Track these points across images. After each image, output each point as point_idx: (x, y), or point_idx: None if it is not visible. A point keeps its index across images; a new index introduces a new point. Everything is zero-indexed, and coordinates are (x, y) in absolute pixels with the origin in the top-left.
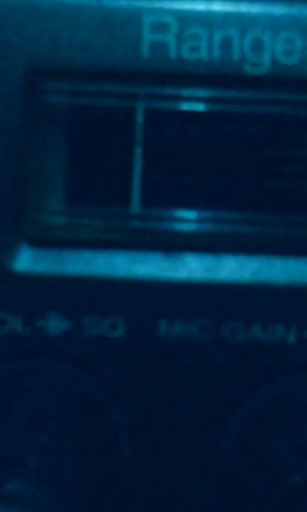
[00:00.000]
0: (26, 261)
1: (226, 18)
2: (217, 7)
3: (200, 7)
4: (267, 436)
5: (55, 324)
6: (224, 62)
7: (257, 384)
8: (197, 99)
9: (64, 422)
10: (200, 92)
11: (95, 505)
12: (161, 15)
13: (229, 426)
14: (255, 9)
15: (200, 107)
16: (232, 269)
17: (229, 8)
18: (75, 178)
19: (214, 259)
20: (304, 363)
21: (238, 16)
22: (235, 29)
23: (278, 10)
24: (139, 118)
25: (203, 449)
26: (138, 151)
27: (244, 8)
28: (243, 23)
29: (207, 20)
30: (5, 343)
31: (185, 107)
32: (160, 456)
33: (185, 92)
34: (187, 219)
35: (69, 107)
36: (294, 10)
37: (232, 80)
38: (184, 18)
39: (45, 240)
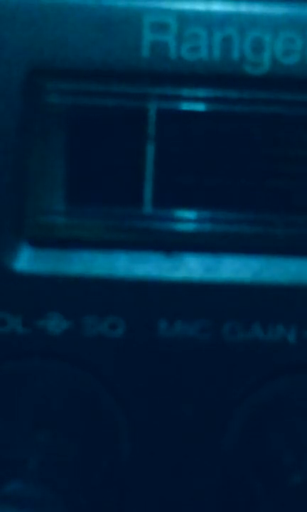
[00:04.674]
0: (26, 261)
1: (226, 18)
2: (217, 7)
3: (200, 7)
4: (267, 436)
5: (55, 324)
6: (224, 62)
7: (257, 384)
8: (197, 99)
9: (64, 422)
10: (200, 92)
11: (95, 505)
12: (161, 15)
13: (229, 426)
14: (255, 9)
15: (199, 107)
16: (232, 269)
17: (229, 8)
18: (75, 178)
19: (214, 259)
20: (304, 363)
21: (238, 16)
22: (235, 29)
23: (278, 10)
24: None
25: (203, 449)
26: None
27: (244, 8)
28: (243, 23)
29: (207, 20)
30: (5, 343)
31: (185, 107)
32: (160, 456)
33: (185, 92)
34: (187, 219)
35: (69, 106)
36: (294, 10)
37: (232, 80)
38: (184, 18)
39: (45, 240)
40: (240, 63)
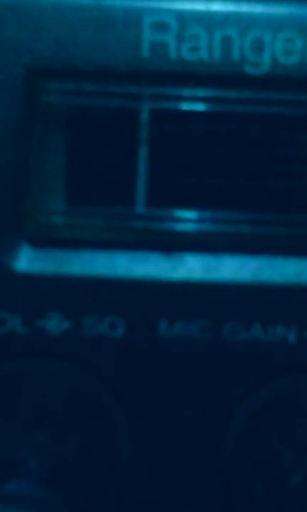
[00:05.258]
0: (26, 261)
1: (226, 18)
2: (217, 7)
3: (200, 7)
4: (267, 436)
5: (55, 324)
6: (224, 62)
7: (257, 384)
8: (196, 99)
9: (64, 422)
10: (200, 92)
11: (95, 505)
12: (161, 15)
13: (229, 426)
14: (255, 9)
15: (199, 107)
16: (232, 269)
17: (229, 8)
18: (75, 178)
19: (214, 259)
20: (304, 363)
21: (238, 15)
22: (235, 29)
23: (278, 10)
24: (139, 118)
25: (203, 449)
26: (138, 152)
27: (244, 8)
28: (243, 23)
29: (207, 20)
30: (5, 343)
31: (185, 107)
32: (160, 456)
33: (185, 92)
34: (187, 219)
35: (69, 106)
36: (294, 10)
37: (232, 80)
38: (184, 18)
39: (45, 240)
40: (240, 63)
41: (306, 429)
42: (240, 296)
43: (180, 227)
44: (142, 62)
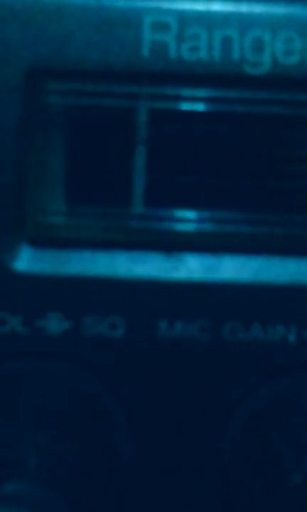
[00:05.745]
0: (26, 261)
1: (226, 18)
2: (217, 7)
3: (200, 7)
4: (267, 436)
5: (55, 324)
6: (224, 62)
7: (257, 384)
8: (196, 99)
9: (64, 422)
10: (200, 92)
11: (95, 505)
12: (161, 15)
13: (229, 426)
14: (255, 9)
15: (199, 107)
16: (232, 269)
17: (229, 8)
18: (75, 178)
19: (214, 259)
20: (304, 363)
21: (238, 15)
22: (235, 29)
23: (278, 10)
24: (139, 118)
25: (203, 449)
26: (138, 152)
27: (244, 8)
28: (243, 23)
29: (207, 20)
30: (5, 343)
31: (185, 107)
32: (160, 456)
33: (185, 92)
34: (187, 219)
35: (69, 107)
36: (294, 10)
37: (232, 80)
38: (184, 18)
39: (45, 240)
40: (240, 63)
41: (306, 429)
42: (240, 296)
43: (180, 227)
44: (142, 62)
